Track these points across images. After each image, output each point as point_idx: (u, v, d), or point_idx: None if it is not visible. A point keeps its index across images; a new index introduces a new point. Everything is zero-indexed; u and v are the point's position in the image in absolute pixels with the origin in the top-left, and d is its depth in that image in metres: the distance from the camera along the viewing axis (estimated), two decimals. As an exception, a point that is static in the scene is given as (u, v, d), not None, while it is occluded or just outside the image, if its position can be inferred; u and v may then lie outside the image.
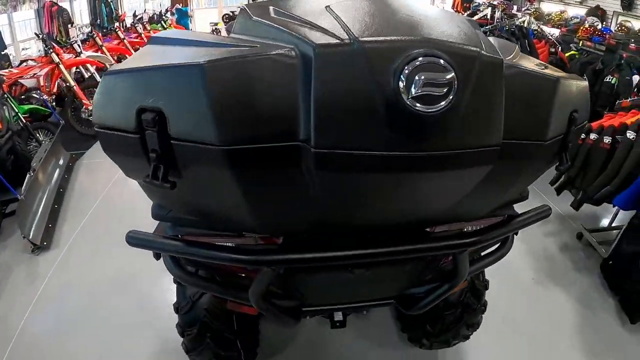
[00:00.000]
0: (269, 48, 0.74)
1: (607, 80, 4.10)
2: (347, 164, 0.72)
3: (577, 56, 4.40)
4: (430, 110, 0.67)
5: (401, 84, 0.66)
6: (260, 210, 0.87)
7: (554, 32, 4.84)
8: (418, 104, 0.67)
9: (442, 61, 0.66)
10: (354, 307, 1.38)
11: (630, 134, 2.52)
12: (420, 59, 0.66)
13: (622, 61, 4.19)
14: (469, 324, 1.80)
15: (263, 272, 1.02)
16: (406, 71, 0.66)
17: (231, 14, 8.75)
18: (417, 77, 0.65)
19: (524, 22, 5.00)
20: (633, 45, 4.32)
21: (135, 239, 1.03)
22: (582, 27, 5.01)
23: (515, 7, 6.14)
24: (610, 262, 2.86)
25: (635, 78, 4.12)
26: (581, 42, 4.82)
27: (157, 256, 1.20)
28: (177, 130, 0.74)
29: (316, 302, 1.31)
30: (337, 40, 0.68)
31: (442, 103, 0.67)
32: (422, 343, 1.95)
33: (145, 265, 2.53)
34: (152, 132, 0.73)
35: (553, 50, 4.23)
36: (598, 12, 6.07)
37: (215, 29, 8.94)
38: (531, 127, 0.84)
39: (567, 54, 4.30)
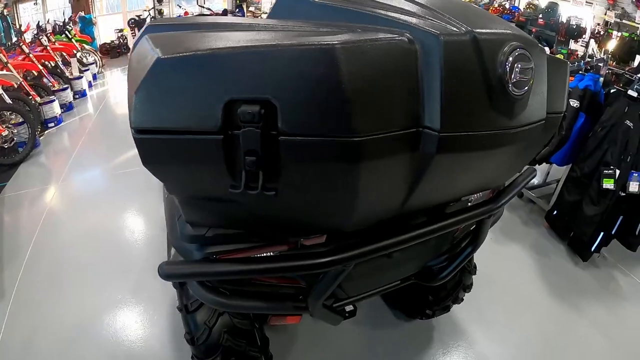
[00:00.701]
0: (378, 33, 0.71)
1: None
2: (465, 144, 0.76)
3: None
4: (519, 93, 0.78)
5: (504, 71, 0.75)
6: (364, 201, 0.78)
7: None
8: (515, 88, 0.77)
9: (527, 52, 0.77)
10: (379, 292, 1.40)
11: (573, 102, 2.86)
12: (518, 50, 0.76)
13: (532, 35, 4.75)
14: (466, 286, 1.95)
15: (327, 274, 0.96)
16: (510, 59, 0.75)
17: (137, 18, 8.19)
18: (516, 66, 0.76)
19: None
20: (541, 20, 4.90)
21: (175, 272, 0.89)
22: (491, 7, 5.54)
23: None
24: (555, 212, 3.25)
25: (546, 49, 4.70)
26: None
27: (180, 285, 1.09)
28: (291, 124, 0.62)
29: (353, 294, 1.27)
30: (457, 30, 0.72)
31: (526, 87, 0.79)
32: (425, 314, 2.06)
33: (106, 306, 2.36)
34: (252, 129, 0.59)
35: None
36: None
37: (121, 35, 8.31)
38: (556, 101, 0.97)
39: None
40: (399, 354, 2.09)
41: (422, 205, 0.98)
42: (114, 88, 6.75)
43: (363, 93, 0.63)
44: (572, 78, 3.03)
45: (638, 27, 4.48)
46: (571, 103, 2.83)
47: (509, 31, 0.79)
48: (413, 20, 0.76)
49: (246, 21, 0.90)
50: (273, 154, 0.62)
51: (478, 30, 0.73)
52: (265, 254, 0.95)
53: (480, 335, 2.27)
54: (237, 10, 8.95)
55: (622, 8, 4.70)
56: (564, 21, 4.76)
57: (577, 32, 4.66)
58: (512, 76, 0.76)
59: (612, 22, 4.63)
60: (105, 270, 2.69)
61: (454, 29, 0.73)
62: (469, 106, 0.73)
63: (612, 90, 2.79)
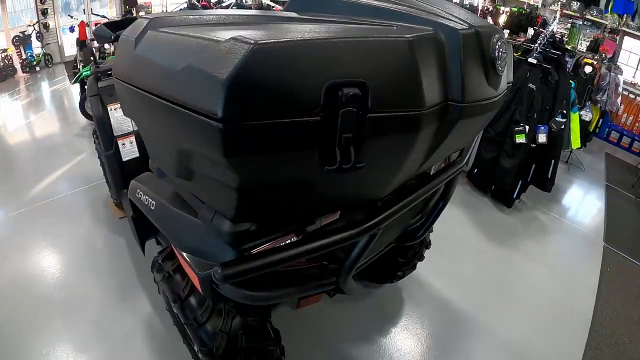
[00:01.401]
0: (417, 28, 0.87)
1: None
2: (475, 111, 0.94)
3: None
4: (501, 70, 1.02)
5: (494, 55, 0.97)
6: (406, 167, 0.91)
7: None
8: (500, 67, 0.99)
9: (504, 39, 1.00)
10: (372, 259, 1.53)
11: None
12: (501, 38, 0.98)
13: None
14: (427, 243, 2.21)
15: (358, 244, 1.04)
16: (497, 45, 0.97)
17: (22, 35, 7.31)
18: (500, 51, 0.97)
19: None
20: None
21: (233, 271, 0.86)
22: None
23: None
24: (475, 171, 3.72)
25: None
26: None
27: (213, 291, 1.04)
28: (379, 103, 0.70)
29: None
30: (466, 26, 0.91)
31: (505, 65, 1.04)
32: (396, 276, 2.27)
33: None
34: (352, 109, 0.66)
35: None
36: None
37: (6, 56, 7.35)
38: (509, 74, 1.21)
39: None
40: (378, 318, 2.27)
41: (427, 168, 1.16)
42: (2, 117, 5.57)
43: (426, 76, 0.80)
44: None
45: (525, 2, 5.23)
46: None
47: (492, 25, 1.05)
48: (430, 17, 0.95)
49: (263, 14, 0.99)
50: (362, 131, 0.70)
51: (477, 25, 0.94)
52: (291, 240, 1.03)
53: (441, 283, 2.55)
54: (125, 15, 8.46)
55: None
56: (458, 2, 5.39)
57: (471, 11, 5.29)
58: (499, 58, 0.98)
59: None
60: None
61: (464, 25, 0.93)
62: (477, 82, 0.94)
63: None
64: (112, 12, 8.47)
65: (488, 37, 0.95)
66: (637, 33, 5.87)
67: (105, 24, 2.01)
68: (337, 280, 1.15)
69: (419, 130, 0.79)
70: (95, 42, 3.29)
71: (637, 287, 3.02)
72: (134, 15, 8.51)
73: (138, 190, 1.35)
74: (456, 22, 0.92)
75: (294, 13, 1.01)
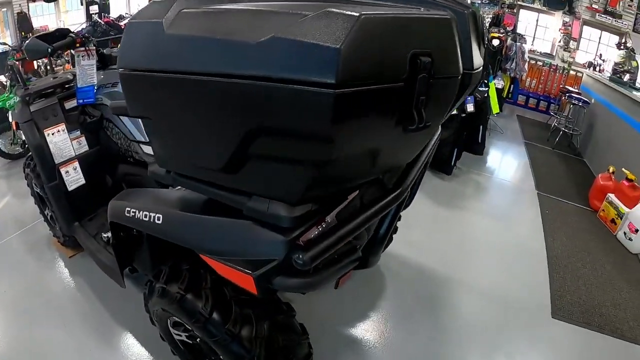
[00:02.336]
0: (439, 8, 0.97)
1: None
2: (476, 78, 1.04)
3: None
4: (484, 43, 1.15)
5: (484, 30, 1.11)
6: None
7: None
8: (485, 40, 1.11)
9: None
10: None
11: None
12: (482, 18, 1.14)
13: None
14: (400, 217, 2.36)
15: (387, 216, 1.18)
16: (485, 22, 1.15)
17: None
18: (484, 27, 1.10)
19: None
20: None
21: (318, 250, 0.89)
22: None
23: None
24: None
25: None
26: None
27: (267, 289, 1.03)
28: (439, 70, 0.79)
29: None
30: (466, 7, 1.02)
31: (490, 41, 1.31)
32: (375, 260, 2.34)
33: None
34: (425, 75, 0.74)
35: None
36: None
37: None
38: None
39: None
40: (368, 293, 2.37)
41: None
42: None
43: (458, 48, 0.89)
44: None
45: None
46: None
47: (475, 6, 1.16)
48: (439, 1, 1.04)
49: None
50: (429, 94, 0.76)
51: (471, 7, 1.04)
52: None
53: (410, 252, 2.75)
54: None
55: None
56: None
57: None
58: (484, 32, 1.13)
59: None
60: None
61: (465, 7, 1.04)
62: (477, 53, 1.06)
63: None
64: (7, 39, 7.52)
65: (478, 15, 1.09)
66: (531, 5, 6.73)
67: (37, 37, 1.83)
68: (368, 254, 1.22)
69: (455, 92, 0.93)
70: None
71: (574, 221, 3.53)
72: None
73: (128, 209, 1.24)
74: (459, 5, 1.04)
75: None
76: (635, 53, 5.57)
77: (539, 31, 7.39)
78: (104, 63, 1.93)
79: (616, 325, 2.39)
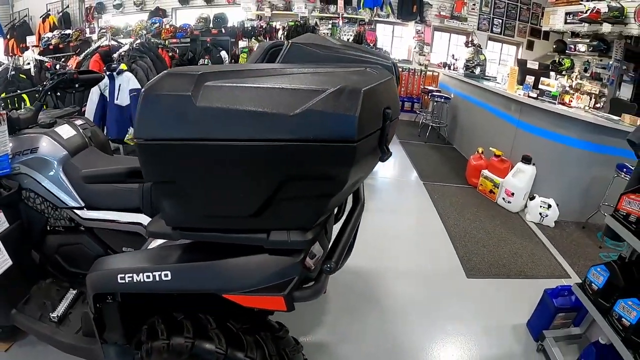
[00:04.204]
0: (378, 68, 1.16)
1: (202, 62, 5.53)
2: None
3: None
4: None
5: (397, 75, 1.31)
6: None
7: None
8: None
9: None
10: None
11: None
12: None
13: (208, 45, 5.73)
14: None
15: None
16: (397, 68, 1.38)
17: None
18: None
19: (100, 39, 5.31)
20: (214, 30, 5.95)
21: (338, 257, 1.09)
22: (163, 29, 6.14)
23: (88, 30, 6.29)
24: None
25: (223, 54, 5.77)
26: (167, 41, 5.98)
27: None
28: (393, 115, 1.01)
29: None
30: (389, 60, 1.26)
31: None
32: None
33: None
34: (389, 121, 0.98)
35: (171, 54, 5.14)
36: (159, 12, 7.53)
37: None
38: None
39: (170, 54, 5.33)
40: (312, 303, 2.47)
41: None
42: None
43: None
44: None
45: (297, 15, 6.28)
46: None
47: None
48: (370, 57, 1.30)
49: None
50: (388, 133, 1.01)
51: (390, 58, 1.32)
52: None
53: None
54: None
55: (273, 4, 6.42)
56: (237, 25, 6.09)
57: (253, 32, 6.08)
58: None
59: (269, 16, 6.31)
60: None
61: (387, 59, 1.29)
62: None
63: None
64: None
65: (394, 65, 1.38)
66: (387, 20, 7.80)
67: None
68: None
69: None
70: None
71: (459, 199, 4.23)
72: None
73: (121, 276, 1.23)
74: (385, 59, 1.32)
75: (298, 65, 1.17)
76: (481, 48, 6.91)
77: (395, 41, 8.62)
78: (12, 128, 1.75)
79: (518, 269, 2.99)
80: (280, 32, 6.31)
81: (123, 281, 1.22)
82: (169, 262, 1.19)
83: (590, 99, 5.26)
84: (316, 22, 6.54)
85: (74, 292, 1.80)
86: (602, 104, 5.22)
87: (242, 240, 1.06)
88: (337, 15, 7.14)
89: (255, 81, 0.89)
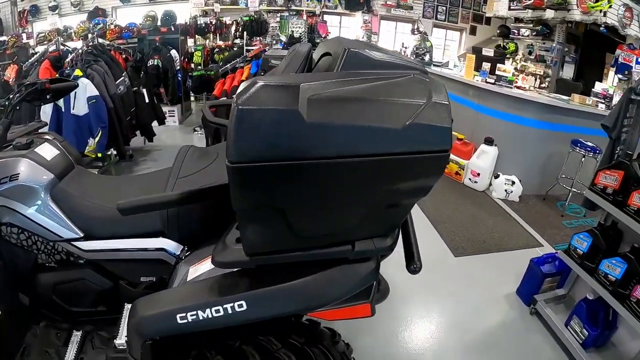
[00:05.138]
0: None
1: (152, 63, 5.45)
2: None
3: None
4: None
5: None
6: None
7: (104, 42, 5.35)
8: None
9: None
10: None
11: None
12: None
13: (157, 44, 5.60)
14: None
15: None
16: None
17: None
18: None
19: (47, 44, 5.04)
20: (163, 28, 5.79)
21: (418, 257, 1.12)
22: (108, 30, 5.86)
23: (25, 36, 5.83)
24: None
25: (174, 53, 5.67)
26: (113, 41, 5.75)
27: None
28: None
29: None
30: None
31: None
32: None
33: None
34: None
35: (124, 56, 4.93)
36: (99, 12, 7.12)
37: None
38: None
39: (124, 56, 5.14)
40: None
41: None
42: None
43: None
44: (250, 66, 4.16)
45: (247, 9, 6.24)
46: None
47: None
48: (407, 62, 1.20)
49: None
50: None
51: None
52: None
53: None
54: None
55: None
56: (189, 22, 5.96)
57: (205, 28, 5.98)
58: None
59: (218, 11, 6.24)
60: None
61: (415, 62, 1.20)
62: None
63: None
64: None
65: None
66: (335, 10, 7.96)
67: None
68: None
69: None
70: None
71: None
72: None
73: (181, 315, 1.10)
74: (413, 63, 1.23)
75: (368, 73, 1.03)
76: (427, 35, 7.28)
77: (343, 32, 8.81)
78: None
79: (497, 244, 3.33)
80: (233, 27, 6.27)
81: (185, 320, 1.09)
82: (241, 290, 1.09)
83: (536, 80, 5.80)
84: (266, 16, 6.55)
85: (78, 333, 1.58)
86: (547, 84, 5.76)
87: (325, 255, 1.04)
88: (284, 8, 7.19)
89: (350, 92, 0.84)
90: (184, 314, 1.08)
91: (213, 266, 1.12)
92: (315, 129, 0.78)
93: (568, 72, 5.72)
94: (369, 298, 1.13)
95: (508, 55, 6.79)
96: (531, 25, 6.60)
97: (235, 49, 6.29)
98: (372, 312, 1.15)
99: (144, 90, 4.58)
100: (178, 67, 5.67)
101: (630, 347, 2.01)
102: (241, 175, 0.80)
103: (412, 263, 1.10)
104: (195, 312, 1.07)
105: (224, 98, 3.98)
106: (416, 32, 7.74)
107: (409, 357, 2.23)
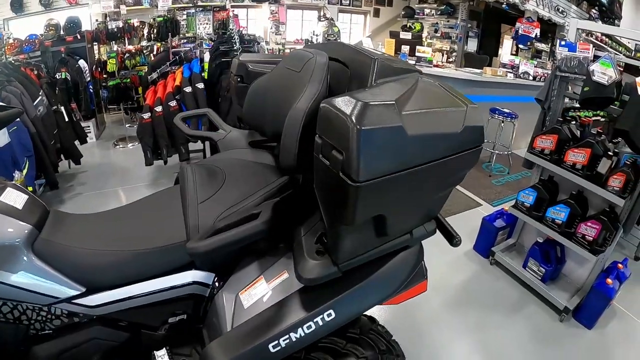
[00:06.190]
0: None
1: (60, 77, 5.04)
2: None
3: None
4: None
5: None
6: None
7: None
8: None
9: None
10: None
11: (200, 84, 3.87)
12: None
13: (63, 56, 5.18)
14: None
15: None
16: None
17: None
18: None
19: None
20: (68, 37, 5.33)
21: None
22: (6, 45, 5.20)
23: None
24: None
25: (82, 63, 5.29)
26: (15, 56, 5.19)
27: None
28: None
29: None
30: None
31: None
32: None
33: None
34: None
35: (37, 72, 4.44)
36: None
37: None
38: None
39: (36, 72, 4.65)
40: None
41: None
42: None
43: None
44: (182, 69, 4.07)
45: (153, 9, 5.92)
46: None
47: None
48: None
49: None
50: None
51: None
52: None
53: None
54: None
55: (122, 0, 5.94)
56: (99, 27, 5.53)
57: (118, 33, 5.61)
58: None
59: (124, 13, 5.85)
60: None
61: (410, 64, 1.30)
62: None
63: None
64: None
65: None
66: (241, 3, 7.88)
67: None
68: None
69: None
70: None
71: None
72: None
73: (274, 343, 1.08)
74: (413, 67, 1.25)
75: (402, 81, 1.12)
76: (333, 21, 7.57)
77: (250, 24, 8.80)
78: None
79: (444, 211, 3.70)
80: (146, 30, 5.95)
81: (278, 348, 1.07)
82: (326, 299, 1.10)
83: (443, 55, 6.44)
84: (174, 14, 6.28)
85: None
86: (453, 58, 6.43)
87: (395, 246, 1.13)
88: (191, 5, 6.99)
89: (424, 106, 0.96)
90: (276, 342, 1.07)
91: (272, 287, 1.14)
92: (414, 141, 0.87)
93: (472, 46, 6.45)
94: (424, 276, 1.29)
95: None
96: (435, 5, 7.27)
97: (146, 52, 6.01)
98: (426, 287, 1.30)
99: (62, 108, 4.24)
100: (89, 79, 5.29)
101: (579, 273, 2.54)
102: (365, 192, 0.84)
103: (454, 238, 1.22)
104: (287, 336, 1.07)
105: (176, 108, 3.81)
106: (323, 19, 8.01)
107: (393, 327, 2.41)
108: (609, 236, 2.18)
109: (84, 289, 1.19)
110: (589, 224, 2.21)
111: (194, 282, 1.26)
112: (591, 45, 2.30)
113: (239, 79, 1.59)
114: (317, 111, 0.92)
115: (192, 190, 1.33)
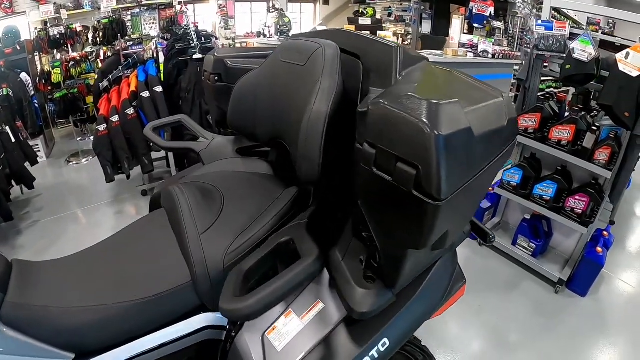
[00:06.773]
0: None
1: (0, 93, 4.66)
2: None
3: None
4: None
5: None
6: None
7: None
8: None
9: None
10: None
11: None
12: None
13: (3, 69, 4.80)
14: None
15: None
16: None
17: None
18: None
19: None
20: (7, 49, 4.93)
21: None
22: None
23: None
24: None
25: (24, 76, 4.90)
26: None
27: None
28: None
29: None
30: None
31: None
32: None
33: None
34: None
35: None
36: None
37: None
38: None
39: None
40: None
41: None
42: None
43: None
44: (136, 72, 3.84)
45: (95, 12, 5.56)
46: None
47: None
48: None
49: None
50: None
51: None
52: None
53: None
54: None
55: (60, 5, 5.50)
56: (40, 35, 5.14)
57: (61, 40, 5.22)
58: None
59: (65, 18, 5.44)
60: None
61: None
62: None
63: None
64: None
65: None
66: (189, 0, 7.54)
67: None
68: None
69: None
70: None
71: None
72: None
73: None
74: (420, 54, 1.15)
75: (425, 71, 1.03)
76: (283, 11, 7.42)
77: (199, 20, 8.50)
78: None
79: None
80: (91, 34, 5.57)
81: None
82: (377, 328, 0.99)
83: (398, 38, 6.50)
84: (120, 15, 5.93)
85: None
86: (409, 41, 6.50)
87: (439, 255, 1.07)
88: (135, 4, 6.63)
89: (465, 100, 0.82)
90: None
91: (306, 322, 0.99)
92: (479, 142, 0.76)
93: (427, 27, 6.53)
94: (463, 279, 1.19)
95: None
96: (387, -11, 7.30)
97: (91, 58, 5.64)
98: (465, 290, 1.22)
99: (7, 128, 3.90)
100: (32, 92, 4.90)
101: (566, 245, 2.66)
102: (445, 210, 0.72)
103: (488, 235, 1.17)
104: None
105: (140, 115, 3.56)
106: (272, 10, 7.86)
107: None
108: (596, 207, 2.29)
109: (71, 356, 0.97)
110: (577, 197, 2.30)
111: (207, 327, 1.07)
112: (568, 23, 2.37)
113: (216, 78, 1.44)
114: (337, 112, 0.82)
115: (189, 218, 1.11)
